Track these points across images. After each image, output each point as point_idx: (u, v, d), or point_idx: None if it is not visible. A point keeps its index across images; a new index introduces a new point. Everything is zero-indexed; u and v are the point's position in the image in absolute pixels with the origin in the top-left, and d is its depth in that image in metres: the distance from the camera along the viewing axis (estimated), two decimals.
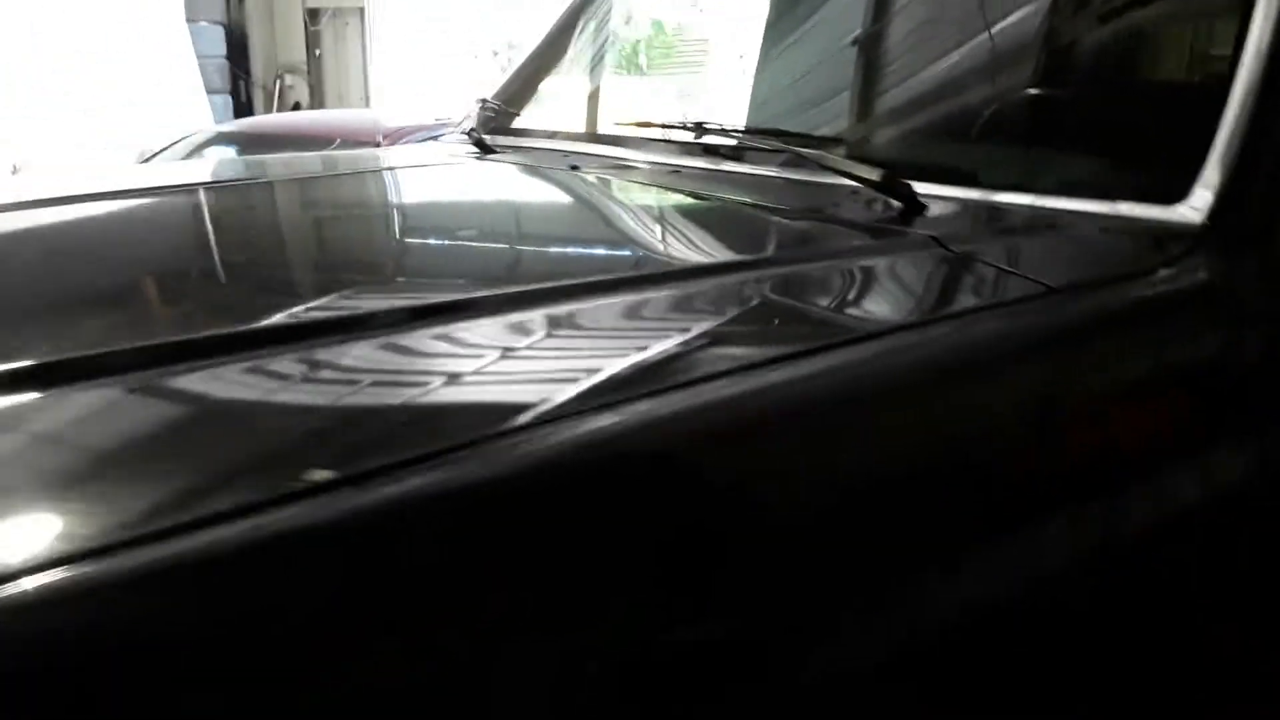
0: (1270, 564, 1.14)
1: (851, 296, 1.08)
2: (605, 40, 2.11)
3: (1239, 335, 1.14)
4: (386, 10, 8.48)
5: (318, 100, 8.61)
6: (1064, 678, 0.93)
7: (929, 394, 0.89)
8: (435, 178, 1.68)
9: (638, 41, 2.09)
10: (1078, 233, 1.21)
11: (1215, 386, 1.10)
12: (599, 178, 1.60)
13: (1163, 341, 1.09)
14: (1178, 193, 1.17)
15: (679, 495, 0.71)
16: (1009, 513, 0.90)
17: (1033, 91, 1.44)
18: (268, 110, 8.28)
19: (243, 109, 8.36)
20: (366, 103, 8.29)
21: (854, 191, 1.34)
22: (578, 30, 2.11)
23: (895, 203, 1.29)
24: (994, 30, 1.51)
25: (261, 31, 8.56)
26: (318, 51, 8.63)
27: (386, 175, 1.72)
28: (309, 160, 2.31)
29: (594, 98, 2.02)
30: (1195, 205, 1.15)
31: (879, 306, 1.07)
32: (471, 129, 1.86)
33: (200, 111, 7.46)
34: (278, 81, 8.44)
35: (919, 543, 0.83)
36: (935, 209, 1.29)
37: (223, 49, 8.46)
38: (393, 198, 1.61)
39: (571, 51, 2.09)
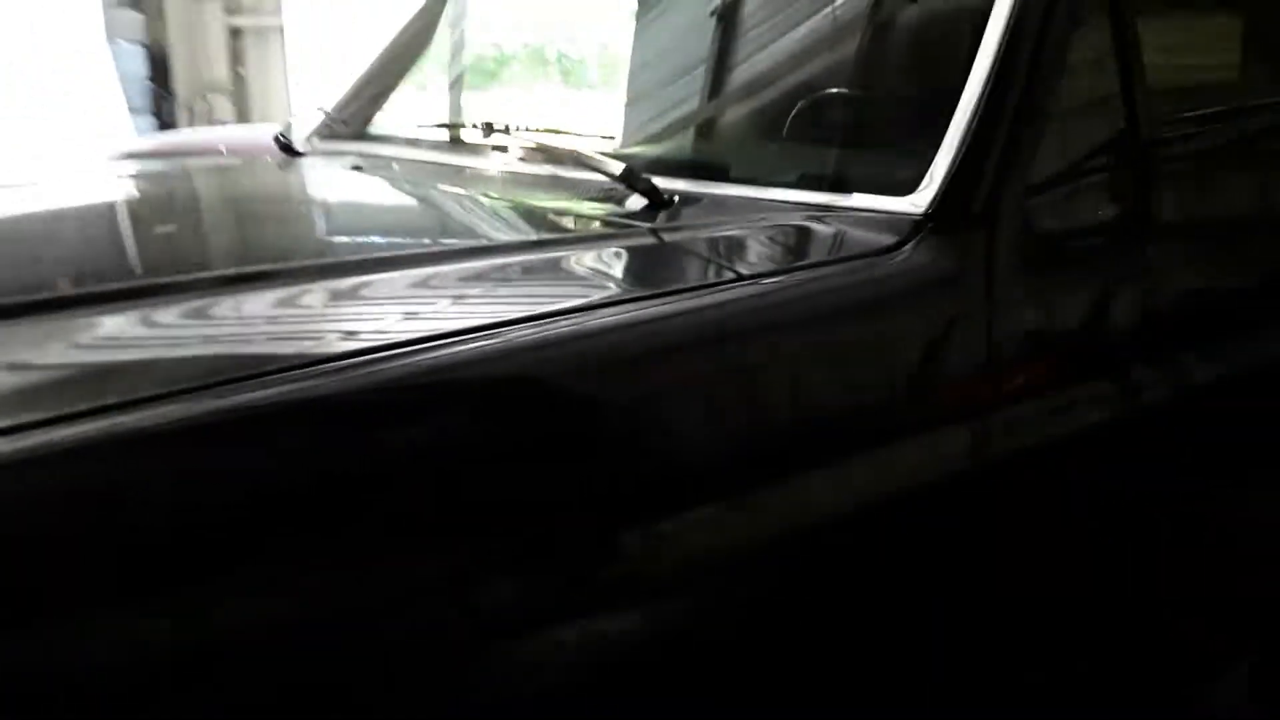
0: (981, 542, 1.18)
1: (537, 282, 1.10)
2: (426, 52, 2.15)
3: (955, 314, 1.17)
4: (306, 27, 8.45)
5: (243, 118, 8.56)
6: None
7: (588, 372, 0.91)
8: (209, 177, 1.73)
9: (455, 53, 2.14)
10: (804, 223, 1.25)
11: (923, 359, 1.14)
12: (372, 176, 1.63)
13: (868, 319, 1.13)
14: (907, 187, 1.22)
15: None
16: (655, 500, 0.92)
17: (781, 95, 1.51)
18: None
19: (167, 129, 8.30)
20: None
21: (612, 187, 1.38)
22: (405, 42, 2.15)
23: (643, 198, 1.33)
24: (746, 38, 1.58)
25: (183, 51, 8.51)
26: (240, 70, 8.59)
27: (171, 175, 1.76)
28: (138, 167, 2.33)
29: (410, 104, 2.06)
30: (920, 198, 1.20)
31: (560, 291, 1.09)
32: (279, 134, 1.89)
33: (124, 131, 7.41)
34: (201, 101, 8.39)
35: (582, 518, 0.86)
36: (684, 203, 1.33)
37: (145, 69, 8.40)
38: (156, 191, 1.65)
39: (398, 64, 2.14)
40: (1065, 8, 1.33)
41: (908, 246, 1.19)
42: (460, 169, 1.62)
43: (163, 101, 8.50)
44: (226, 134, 5.70)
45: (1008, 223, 1.24)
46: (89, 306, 0.94)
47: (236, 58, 8.64)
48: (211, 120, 8.31)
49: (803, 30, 1.54)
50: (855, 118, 1.46)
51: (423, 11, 2.16)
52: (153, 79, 8.47)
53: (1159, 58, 1.46)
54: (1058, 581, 1.34)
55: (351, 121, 2.00)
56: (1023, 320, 1.25)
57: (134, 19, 8.34)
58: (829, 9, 1.50)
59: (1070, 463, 1.31)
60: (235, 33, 8.66)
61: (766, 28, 1.62)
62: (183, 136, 6.23)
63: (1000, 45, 1.28)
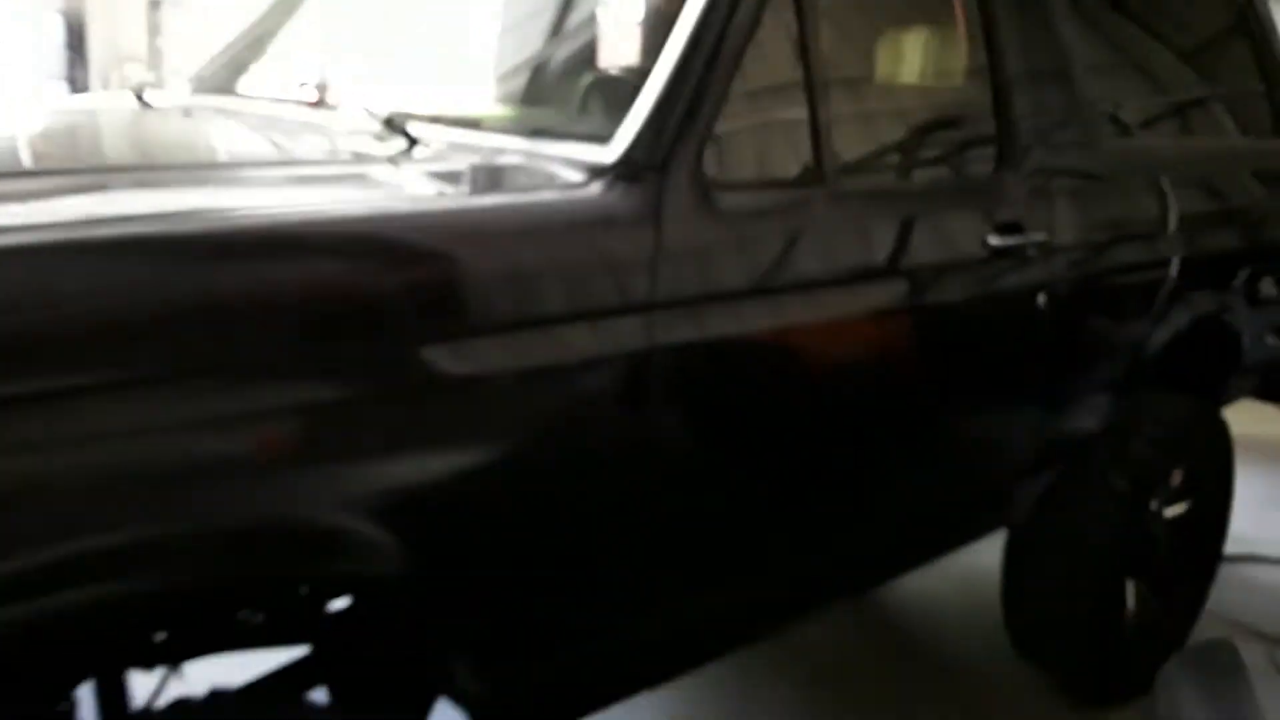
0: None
1: (291, 192, 1.47)
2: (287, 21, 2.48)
3: (625, 238, 1.54)
4: None
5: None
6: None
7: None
8: (70, 118, 2.10)
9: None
10: (514, 163, 1.62)
11: (594, 270, 1.50)
12: (195, 119, 2.00)
13: (546, 235, 1.48)
14: (604, 140, 1.59)
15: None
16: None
17: (524, 66, 1.92)
18: None
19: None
20: None
21: (380, 130, 1.75)
22: (274, 12, 2.49)
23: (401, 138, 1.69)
24: (509, 18, 1.99)
25: (101, 20, 8.65)
26: (158, 40, 8.75)
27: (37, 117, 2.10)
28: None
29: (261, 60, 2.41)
30: (611, 150, 1.57)
31: (305, 196, 1.45)
32: (137, 91, 2.22)
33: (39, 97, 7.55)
34: (117, 70, 8.54)
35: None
36: (433, 145, 1.70)
37: (62, 36, 8.54)
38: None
39: (262, 29, 2.48)
40: (749, 3, 1.71)
41: (593, 185, 1.57)
42: (272, 116, 2.01)
43: (78, 70, 8.65)
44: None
45: (681, 172, 1.60)
46: None
47: (154, 28, 8.81)
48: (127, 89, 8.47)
49: (544, 15, 1.95)
50: (576, 85, 1.86)
51: None
52: (70, 47, 8.62)
53: (837, 42, 1.86)
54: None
55: (215, 79, 2.38)
56: (685, 248, 1.59)
57: None
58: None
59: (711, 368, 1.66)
60: (153, 3, 8.83)
61: (522, 13, 2.04)
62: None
63: (691, 29, 1.66)
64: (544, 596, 1.55)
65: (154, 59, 8.84)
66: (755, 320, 1.70)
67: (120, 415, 1.10)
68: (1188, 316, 2.67)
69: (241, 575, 1.23)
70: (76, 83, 8.63)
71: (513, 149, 1.69)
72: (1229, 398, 3.10)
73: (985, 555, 2.74)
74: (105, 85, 8.53)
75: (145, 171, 1.57)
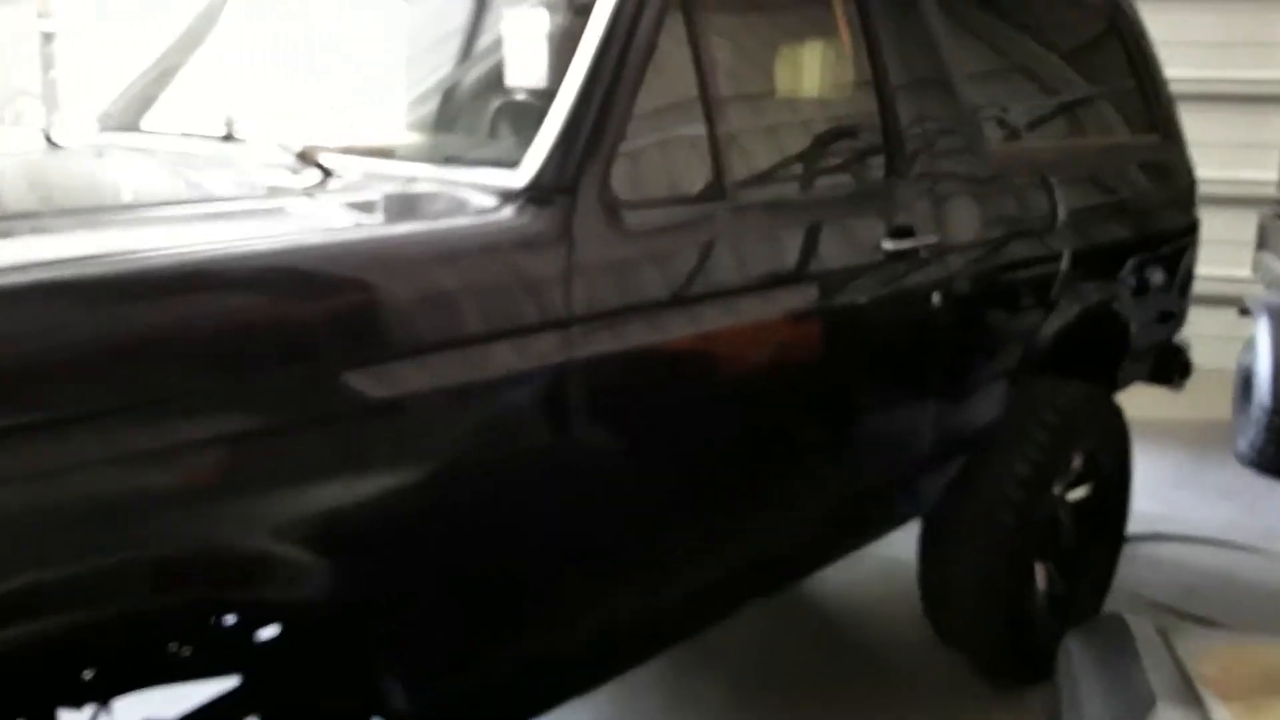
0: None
1: (206, 228, 1.51)
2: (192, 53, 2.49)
3: (536, 260, 1.59)
4: (120, 31, 8.48)
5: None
6: None
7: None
8: None
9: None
10: (426, 191, 1.67)
11: (506, 290, 1.55)
12: (94, 156, 2.02)
13: (456, 261, 1.53)
14: (514, 165, 1.66)
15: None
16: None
17: (434, 94, 1.98)
18: None
19: None
20: None
21: (294, 164, 1.78)
22: (178, 45, 2.50)
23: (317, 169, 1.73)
24: (416, 49, 2.04)
25: None
26: (52, 73, 8.58)
27: None
28: None
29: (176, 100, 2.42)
30: (521, 174, 1.63)
31: (220, 231, 1.49)
32: (45, 131, 2.23)
33: None
34: (10, 105, 8.35)
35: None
36: (347, 176, 1.74)
37: None
38: None
39: (168, 63, 2.49)
40: (646, 29, 1.78)
41: (505, 210, 1.63)
42: (184, 153, 2.04)
43: None
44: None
45: (589, 193, 1.66)
46: None
47: (47, 62, 8.63)
48: (20, 124, 8.30)
49: (451, 42, 2.00)
50: (485, 110, 1.92)
51: (198, 16, 2.54)
52: None
53: (730, 62, 1.94)
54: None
55: (122, 115, 2.38)
56: (596, 266, 1.65)
57: None
58: (466, 26, 1.97)
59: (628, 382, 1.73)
60: (46, 36, 8.65)
61: (428, 42, 2.08)
62: None
63: (592, 54, 1.73)
64: (474, 612, 1.60)
65: (48, 93, 8.65)
66: (665, 331, 1.77)
67: (37, 456, 1.12)
68: (1077, 307, 2.80)
69: (168, 606, 1.26)
70: None
71: (426, 177, 1.74)
72: (1122, 383, 3.24)
73: (902, 548, 2.84)
74: None
75: (57, 216, 1.58)
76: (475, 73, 2.02)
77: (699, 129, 1.86)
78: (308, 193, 1.68)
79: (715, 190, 1.88)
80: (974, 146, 2.52)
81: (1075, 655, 1.83)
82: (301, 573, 1.32)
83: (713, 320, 1.85)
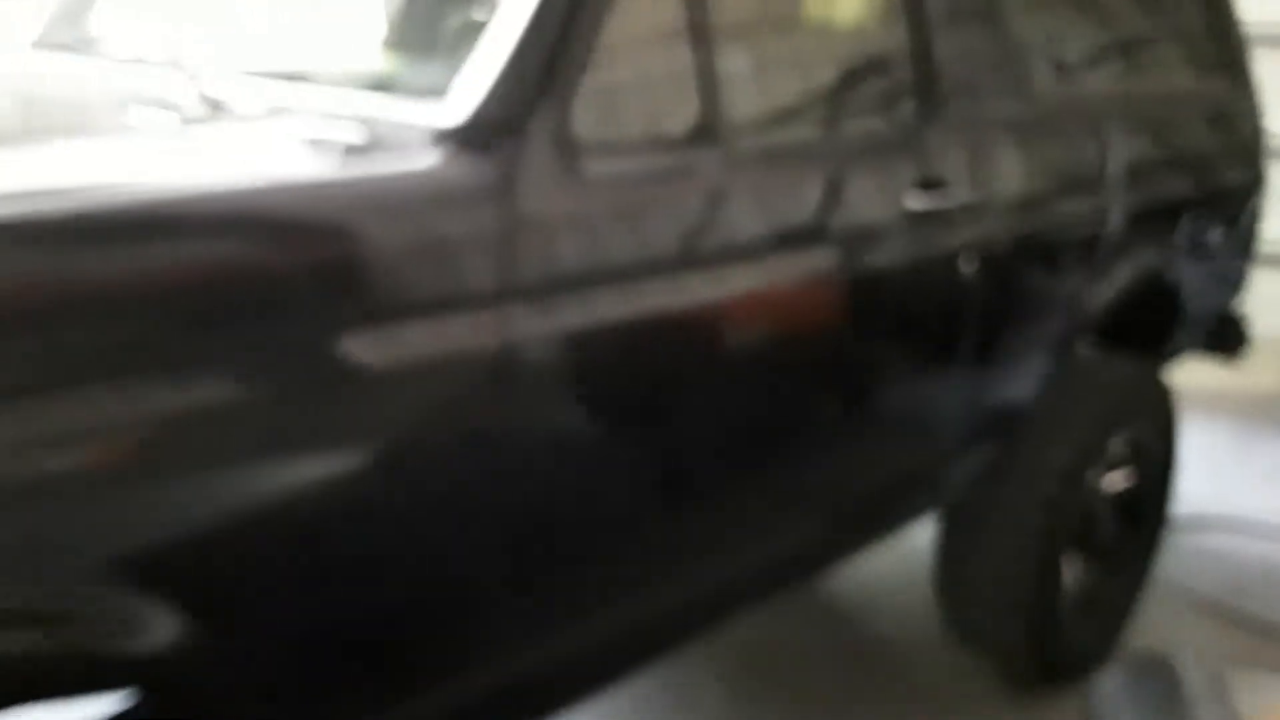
0: None
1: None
2: None
3: (471, 215, 1.30)
4: None
5: None
6: None
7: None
8: None
9: None
10: (343, 129, 1.37)
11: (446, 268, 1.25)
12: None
13: (373, 229, 1.24)
14: (444, 96, 1.39)
15: None
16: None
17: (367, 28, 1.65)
18: None
19: None
20: None
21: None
22: None
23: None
24: None
25: None
26: None
27: None
28: None
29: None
30: (457, 107, 1.37)
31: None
32: None
33: None
34: None
35: None
36: (243, 108, 1.44)
37: None
38: None
39: None
40: None
41: (432, 153, 1.32)
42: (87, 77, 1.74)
43: None
44: None
45: (542, 134, 1.36)
46: None
47: None
48: None
49: None
50: (430, 26, 1.60)
51: None
52: None
53: None
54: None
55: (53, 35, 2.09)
56: (547, 225, 1.35)
57: None
58: None
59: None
60: None
61: None
62: None
63: None
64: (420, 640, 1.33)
65: None
66: (637, 304, 1.47)
67: None
68: (1128, 274, 2.48)
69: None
70: None
71: (343, 110, 1.43)
72: (1172, 354, 2.93)
73: (918, 534, 2.56)
74: None
75: None
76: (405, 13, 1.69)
77: (687, 58, 1.54)
78: (176, 133, 1.38)
79: (706, 133, 1.56)
80: (1021, 87, 2.18)
81: (1109, 699, 1.54)
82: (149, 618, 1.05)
83: (697, 291, 1.55)
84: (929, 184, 1.94)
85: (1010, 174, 2.15)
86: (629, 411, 1.52)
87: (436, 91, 1.39)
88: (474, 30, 1.48)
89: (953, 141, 2.01)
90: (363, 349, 1.18)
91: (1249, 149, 3.04)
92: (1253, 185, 3.05)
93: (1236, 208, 2.99)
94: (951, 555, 2.46)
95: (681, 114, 1.56)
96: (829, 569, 2.15)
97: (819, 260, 1.76)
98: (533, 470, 1.39)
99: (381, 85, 1.49)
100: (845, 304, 1.84)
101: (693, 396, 1.60)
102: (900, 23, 1.97)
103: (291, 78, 1.53)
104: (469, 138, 1.33)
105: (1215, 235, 2.88)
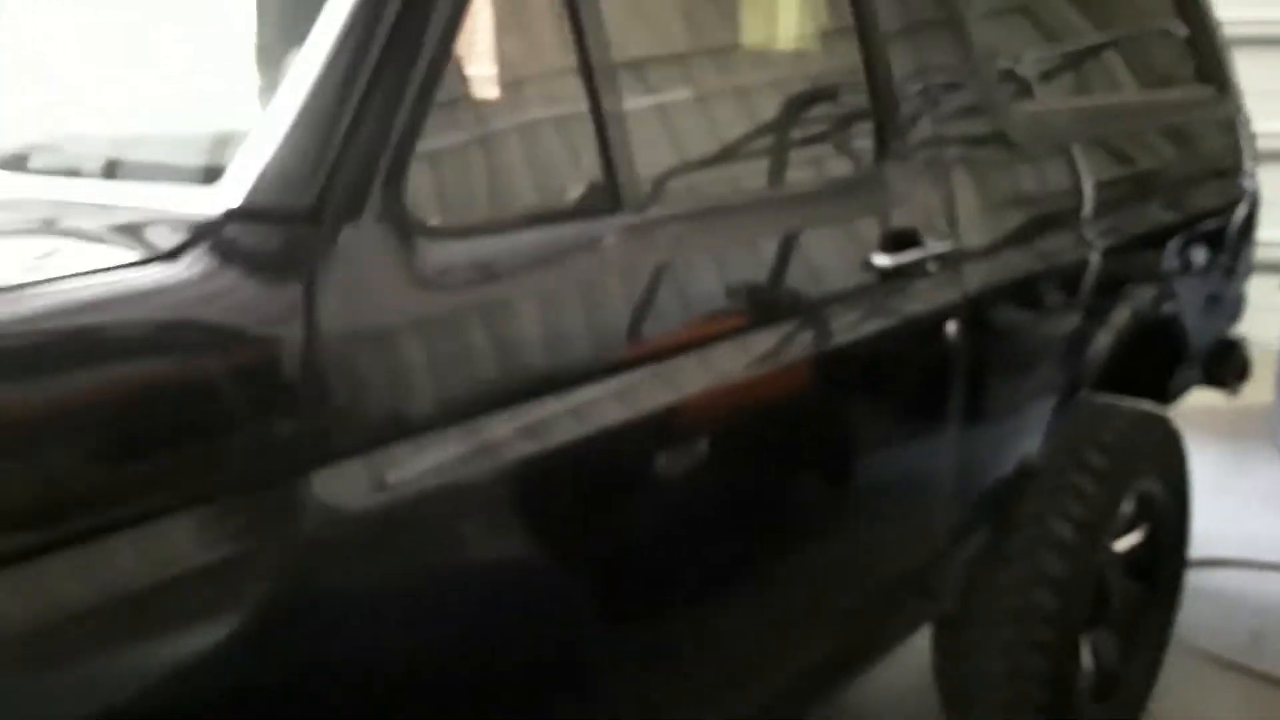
0: None
1: None
2: None
3: (262, 341, 0.98)
4: None
5: None
6: None
7: None
8: None
9: None
10: (86, 223, 1.07)
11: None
12: None
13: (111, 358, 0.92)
14: (217, 174, 1.07)
15: None
16: None
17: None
18: None
19: None
20: None
21: None
22: None
23: None
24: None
25: None
26: None
27: None
28: None
29: None
30: (232, 187, 1.04)
31: None
32: None
33: None
34: None
35: None
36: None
37: None
38: None
39: None
40: None
41: (193, 252, 0.97)
42: None
43: None
44: None
45: (359, 217, 1.02)
46: None
47: None
48: None
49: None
50: (166, 106, 1.25)
51: None
52: None
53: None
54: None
55: None
56: (362, 342, 1.02)
57: None
58: None
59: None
60: None
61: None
62: None
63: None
64: None
65: None
66: (491, 446, 1.12)
67: None
68: (1128, 315, 2.19)
69: None
70: None
71: (76, 199, 1.09)
72: (1175, 394, 2.65)
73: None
74: None
75: None
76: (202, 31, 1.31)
77: (577, 104, 1.19)
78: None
79: (604, 198, 1.22)
80: (994, 111, 1.87)
81: None
82: None
83: (592, 414, 1.20)
84: (898, 240, 1.62)
85: (992, 216, 1.84)
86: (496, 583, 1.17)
87: (200, 169, 1.05)
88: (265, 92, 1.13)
89: (921, 182, 1.69)
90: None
91: (1242, 160, 2.80)
92: (1248, 199, 2.81)
93: (1233, 227, 2.74)
94: (952, 654, 2.14)
95: (571, 176, 1.21)
96: (810, 706, 1.78)
97: (762, 353, 1.42)
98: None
99: (131, 168, 1.14)
100: (807, 395, 1.50)
101: (594, 544, 1.25)
102: (850, 44, 1.65)
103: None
104: (244, 226, 0.99)
105: (1213, 260, 2.64)
